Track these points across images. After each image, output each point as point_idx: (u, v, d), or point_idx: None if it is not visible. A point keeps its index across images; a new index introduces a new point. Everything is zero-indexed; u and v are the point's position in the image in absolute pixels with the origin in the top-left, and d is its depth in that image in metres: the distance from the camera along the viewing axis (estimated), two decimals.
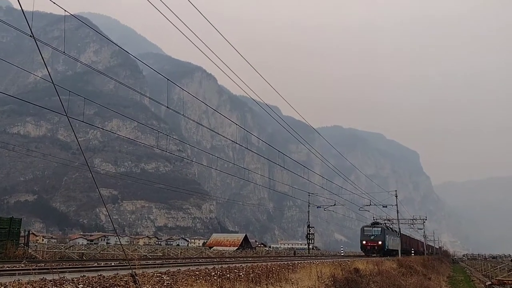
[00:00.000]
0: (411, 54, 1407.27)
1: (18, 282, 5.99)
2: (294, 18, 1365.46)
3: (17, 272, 7.62)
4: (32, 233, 63.15)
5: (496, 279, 25.60)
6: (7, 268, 11.66)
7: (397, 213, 49.55)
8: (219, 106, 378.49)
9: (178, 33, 14.08)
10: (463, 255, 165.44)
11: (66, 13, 10.74)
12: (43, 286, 6.08)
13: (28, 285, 5.98)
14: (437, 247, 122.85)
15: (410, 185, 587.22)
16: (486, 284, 28.52)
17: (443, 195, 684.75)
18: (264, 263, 15.57)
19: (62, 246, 52.30)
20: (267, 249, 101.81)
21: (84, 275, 7.63)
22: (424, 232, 74.82)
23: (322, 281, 12.03)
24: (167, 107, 16.76)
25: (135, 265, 7.71)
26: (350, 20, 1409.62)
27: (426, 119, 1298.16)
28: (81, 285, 6.89)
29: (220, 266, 12.69)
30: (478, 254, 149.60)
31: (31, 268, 6.47)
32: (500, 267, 39.68)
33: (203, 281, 8.97)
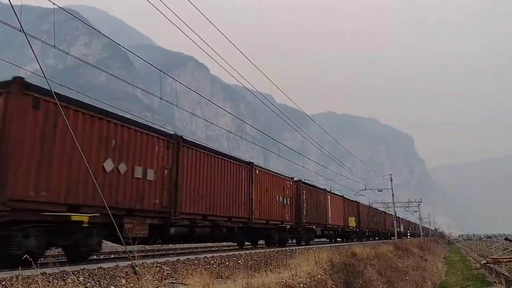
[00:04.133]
0: (407, 37, 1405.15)
1: (19, 277, 6.03)
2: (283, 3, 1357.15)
3: (21, 266, 7.67)
4: None
5: (491, 258, 25.97)
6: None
7: (393, 196, 49.95)
8: (212, 96, 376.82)
9: (169, 23, 13.99)
10: (459, 236, 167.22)
11: (55, 6, 10.64)
12: (44, 280, 6.14)
13: (29, 279, 6.02)
14: (433, 229, 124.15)
15: (405, 169, 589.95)
16: (481, 263, 28.94)
17: (437, 178, 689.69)
18: (262, 250, 15.70)
19: None
20: None
21: (84, 268, 7.69)
22: (419, 214, 75.49)
23: (320, 266, 12.18)
24: (161, 98, 16.72)
25: (134, 256, 7.77)
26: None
27: (420, 103, 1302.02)
28: (82, 278, 6.96)
29: (219, 254, 12.80)
30: (473, 235, 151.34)
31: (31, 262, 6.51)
32: (495, 246, 40.15)
33: (203, 270, 9.06)
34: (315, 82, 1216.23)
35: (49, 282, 6.22)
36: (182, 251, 15.78)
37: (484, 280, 23.27)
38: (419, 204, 68.21)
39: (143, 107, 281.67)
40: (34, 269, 6.24)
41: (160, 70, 16.87)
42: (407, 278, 17.55)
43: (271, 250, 16.48)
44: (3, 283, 5.82)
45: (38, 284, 5.83)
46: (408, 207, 66.75)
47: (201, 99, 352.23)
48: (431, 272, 24.60)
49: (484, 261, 27.34)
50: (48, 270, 6.77)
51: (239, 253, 13.66)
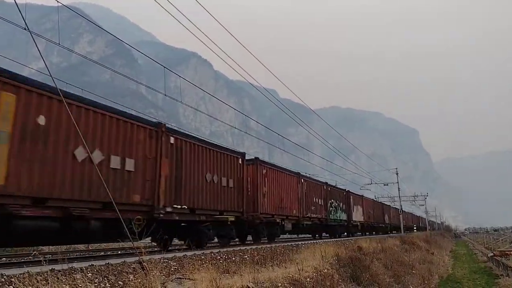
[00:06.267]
0: (408, 29, 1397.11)
1: (28, 274, 6.08)
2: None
3: (30, 263, 7.73)
4: None
5: (498, 251, 25.89)
6: (16, 261, 11.81)
7: (399, 190, 49.75)
8: (216, 92, 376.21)
9: (171, 19, 13.98)
10: (465, 229, 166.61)
11: (59, 4, 10.65)
12: (53, 276, 6.18)
13: (38, 276, 6.07)
14: (439, 222, 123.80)
15: (410, 163, 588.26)
16: (488, 255, 28.85)
17: (443, 171, 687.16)
18: (268, 245, 15.74)
19: None
20: None
21: (92, 264, 7.73)
22: (425, 208, 75.25)
23: (326, 261, 12.19)
24: (165, 94, 16.72)
25: (141, 252, 7.81)
26: None
27: (425, 96, 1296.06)
28: (90, 274, 7.00)
29: (225, 249, 12.84)
30: (480, 228, 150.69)
31: (41, 259, 6.55)
32: (502, 239, 40.06)
33: (210, 265, 9.10)
34: (319, 76, 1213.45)
35: (58, 278, 6.26)
36: (188, 247, 15.93)
37: (491, 273, 23.21)
38: (425, 198, 67.96)
39: (148, 103, 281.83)
40: (43, 265, 6.28)
41: (164, 67, 16.87)
42: (413, 271, 17.54)
43: (277, 245, 16.52)
44: (13, 279, 5.86)
45: (47, 281, 5.87)
46: (414, 201, 66.50)
47: (204, 95, 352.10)
48: (438, 266, 24.56)
49: (491, 254, 27.25)
50: (57, 267, 6.82)
51: (245, 248, 13.71)
